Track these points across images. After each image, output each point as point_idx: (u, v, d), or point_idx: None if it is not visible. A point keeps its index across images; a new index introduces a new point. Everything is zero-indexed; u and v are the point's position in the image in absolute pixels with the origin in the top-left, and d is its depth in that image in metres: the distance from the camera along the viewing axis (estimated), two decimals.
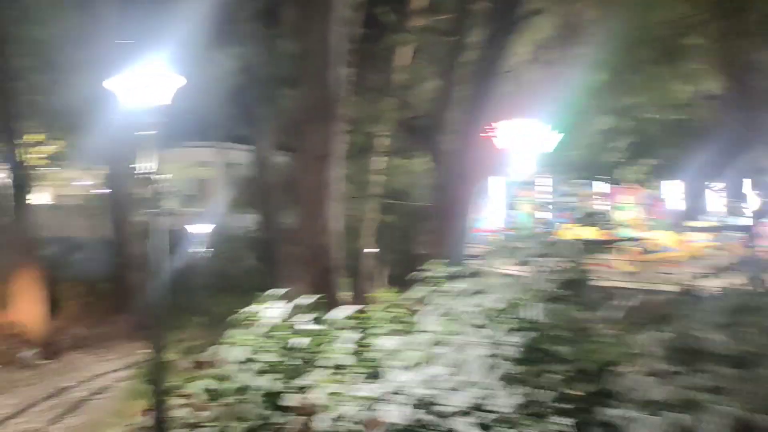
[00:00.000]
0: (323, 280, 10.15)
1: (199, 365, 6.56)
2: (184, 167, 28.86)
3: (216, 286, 20.88)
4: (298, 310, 5.60)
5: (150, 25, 16.73)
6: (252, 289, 18.59)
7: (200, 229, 16.06)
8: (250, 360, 5.12)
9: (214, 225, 16.81)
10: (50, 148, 21.80)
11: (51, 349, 14.48)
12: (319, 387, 4.60)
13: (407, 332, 4.69)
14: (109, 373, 12.89)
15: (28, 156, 18.93)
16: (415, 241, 24.30)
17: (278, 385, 4.82)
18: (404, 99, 13.06)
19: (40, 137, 20.70)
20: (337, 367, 4.77)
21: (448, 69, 11.79)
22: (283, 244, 13.76)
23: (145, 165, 5.58)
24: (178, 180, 28.26)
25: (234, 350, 5.26)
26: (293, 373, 4.85)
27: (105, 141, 18.71)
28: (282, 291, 5.94)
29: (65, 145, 21.54)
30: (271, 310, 5.65)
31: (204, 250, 16.31)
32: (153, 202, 6.43)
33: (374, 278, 19.83)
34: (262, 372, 4.98)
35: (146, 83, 5.53)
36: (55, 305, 16.30)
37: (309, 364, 4.89)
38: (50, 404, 10.38)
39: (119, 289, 17.57)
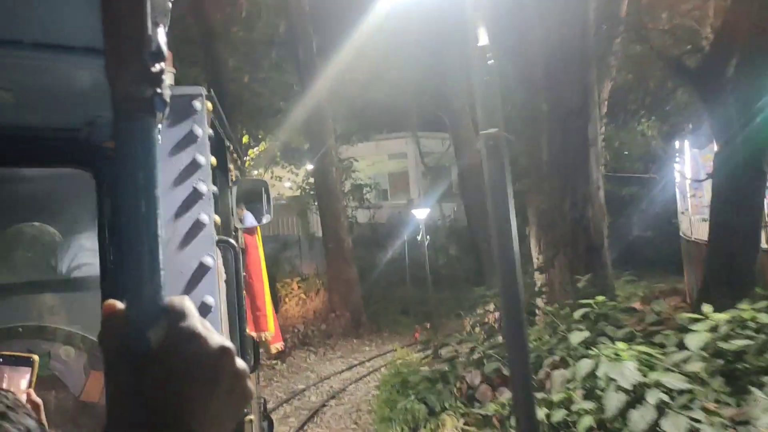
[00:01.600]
0: (589, 261, 8.17)
1: (503, 381, 5.01)
2: (378, 161, 28.35)
3: (424, 278, 19.83)
4: None
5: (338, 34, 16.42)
6: (461, 281, 17.06)
7: (419, 215, 14.84)
8: (644, 385, 3.33)
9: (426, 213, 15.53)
10: (253, 151, 22.21)
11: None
12: None
13: None
14: (337, 374, 12.05)
15: (245, 158, 19.32)
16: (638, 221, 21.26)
17: None
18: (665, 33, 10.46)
19: (245, 139, 21.10)
20: None
21: None
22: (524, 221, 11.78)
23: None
24: (373, 173, 27.86)
25: (609, 366, 3.51)
26: None
27: (309, 139, 18.53)
28: None
29: (270, 145, 21.78)
30: None
31: (422, 238, 15.07)
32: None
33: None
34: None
35: None
36: (274, 303, 16.12)
37: None
38: (288, 410, 9.60)
39: (337, 285, 16.99)
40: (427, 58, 20.85)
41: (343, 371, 12.33)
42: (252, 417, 2.32)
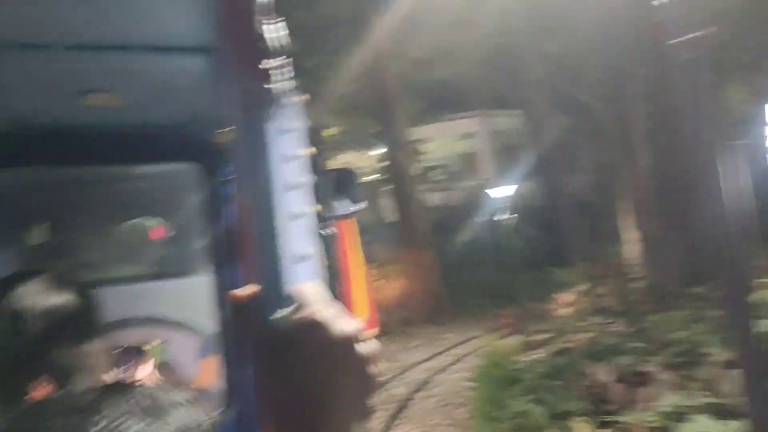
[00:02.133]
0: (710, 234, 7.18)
1: (641, 379, 4.23)
2: (447, 142, 27.52)
3: (502, 261, 19.05)
4: None
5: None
6: (541, 263, 16.13)
7: (500, 194, 14.02)
8: None
9: (515, 188, 14.60)
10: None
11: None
12: None
13: None
14: (420, 363, 11.48)
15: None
16: None
17: None
18: None
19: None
20: None
21: None
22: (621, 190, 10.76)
23: None
24: (443, 155, 27.10)
25: None
26: None
27: (378, 121, 18.08)
28: None
29: (338, 130, 21.41)
30: None
31: (505, 218, 14.27)
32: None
33: None
34: None
35: None
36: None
37: None
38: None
39: (414, 270, 16.41)
40: (497, 29, 19.92)
41: (426, 360, 11.75)
42: None
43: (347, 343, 0.56)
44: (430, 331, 14.49)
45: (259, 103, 0.57)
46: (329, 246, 2.07)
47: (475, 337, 13.03)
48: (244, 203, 0.57)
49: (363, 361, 0.58)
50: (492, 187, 18.46)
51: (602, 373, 5.37)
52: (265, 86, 0.57)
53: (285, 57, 0.58)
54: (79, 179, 2.37)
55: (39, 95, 1.47)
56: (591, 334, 6.37)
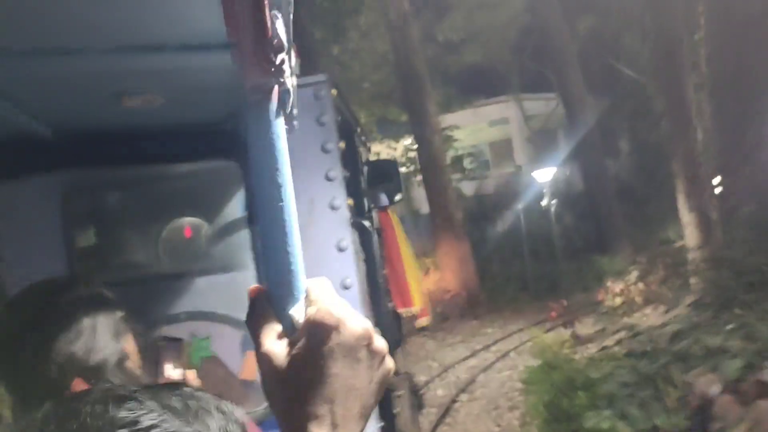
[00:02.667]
0: None
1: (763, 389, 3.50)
2: (478, 129, 26.67)
3: (538, 251, 18.21)
4: None
5: None
6: (580, 252, 15.22)
7: (541, 177, 13.24)
8: None
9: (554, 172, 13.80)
10: None
11: None
12: None
13: None
14: (461, 362, 10.82)
15: None
16: None
17: None
18: None
19: None
20: None
21: None
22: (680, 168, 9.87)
23: None
24: (473, 143, 26.26)
25: None
26: None
27: (407, 109, 17.47)
28: None
29: (365, 120, 20.82)
30: None
31: (547, 204, 13.53)
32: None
33: None
34: None
35: None
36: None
37: None
38: None
39: (449, 263, 15.73)
40: (526, 8, 19.11)
41: (467, 358, 11.09)
42: (401, 392, 2.43)
43: (361, 337, 0.56)
44: (468, 326, 13.82)
45: (272, 99, 0.57)
46: (367, 238, 2.06)
47: (517, 331, 12.33)
48: (264, 197, 0.57)
49: (376, 354, 0.58)
50: (527, 174, 17.66)
51: (704, 382, 4.37)
52: (278, 81, 0.56)
53: (292, 51, 0.56)
54: (121, 180, 2.44)
55: (77, 99, 1.51)
56: (667, 329, 5.52)
